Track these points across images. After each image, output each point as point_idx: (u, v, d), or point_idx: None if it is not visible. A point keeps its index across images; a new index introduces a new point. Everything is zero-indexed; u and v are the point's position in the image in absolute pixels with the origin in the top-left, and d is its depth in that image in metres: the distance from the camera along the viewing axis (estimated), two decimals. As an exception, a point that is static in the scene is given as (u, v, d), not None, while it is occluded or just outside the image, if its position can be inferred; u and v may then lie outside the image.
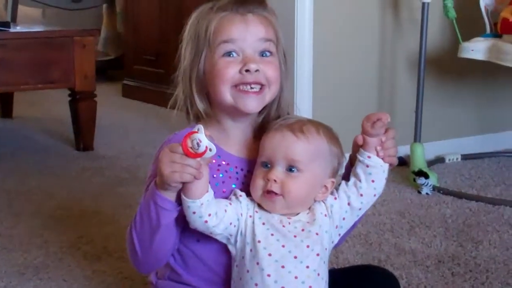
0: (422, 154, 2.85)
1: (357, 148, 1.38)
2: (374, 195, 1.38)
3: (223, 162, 1.40)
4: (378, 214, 2.43)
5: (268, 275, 1.29)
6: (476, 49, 2.80)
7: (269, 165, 1.33)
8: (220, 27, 1.38)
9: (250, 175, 1.38)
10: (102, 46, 5.85)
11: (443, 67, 3.19)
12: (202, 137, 1.21)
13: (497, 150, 3.32)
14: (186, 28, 1.44)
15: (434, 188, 2.69)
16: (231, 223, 1.31)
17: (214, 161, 1.35)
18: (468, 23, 2.94)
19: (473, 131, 3.34)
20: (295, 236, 1.31)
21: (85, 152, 3.35)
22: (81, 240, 2.17)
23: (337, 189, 1.38)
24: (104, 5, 6.02)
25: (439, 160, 3.13)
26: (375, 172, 1.36)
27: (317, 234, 1.33)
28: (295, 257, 1.30)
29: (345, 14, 2.94)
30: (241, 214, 1.32)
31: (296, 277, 1.29)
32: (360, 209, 1.38)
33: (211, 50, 1.38)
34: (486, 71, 3.20)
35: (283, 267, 1.29)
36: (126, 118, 4.17)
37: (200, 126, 1.21)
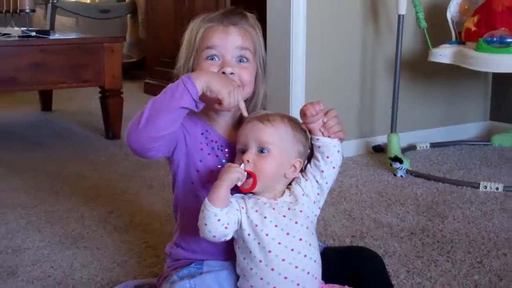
0: (397, 143, 2.85)
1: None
2: (333, 168, 1.37)
3: (212, 140, 1.42)
4: (360, 193, 2.44)
5: (269, 251, 1.29)
6: (444, 54, 2.80)
7: (244, 150, 1.34)
8: (205, 35, 1.41)
9: (229, 153, 1.41)
10: (127, 50, 5.84)
11: (416, 69, 3.19)
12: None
13: (461, 139, 3.32)
14: (184, 34, 1.48)
15: (407, 171, 2.69)
16: (235, 223, 1.31)
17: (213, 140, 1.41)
18: (437, 32, 2.94)
19: (440, 123, 3.35)
20: (284, 216, 1.32)
21: (113, 140, 3.36)
22: (111, 215, 2.18)
23: (306, 172, 1.39)
24: (128, 15, 6.02)
25: (412, 147, 3.13)
26: (326, 150, 1.35)
27: (301, 211, 1.33)
28: (288, 234, 1.30)
29: (333, 25, 2.93)
30: (237, 209, 1.32)
31: (292, 250, 1.30)
32: (326, 183, 1.38)
33: (198, 53, 1.42)
34: (452, 73, 3.19)
35: (280, 243, 1.29)
36: (148, 111, 4.15)
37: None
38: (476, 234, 2.01)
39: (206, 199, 1.27)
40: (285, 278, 1.29)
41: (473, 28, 2.77)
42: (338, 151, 1.37)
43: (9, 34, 3.38)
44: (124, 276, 1.70)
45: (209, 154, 1.41)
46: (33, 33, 3.33)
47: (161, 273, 1.52)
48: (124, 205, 2.30)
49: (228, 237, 1.30)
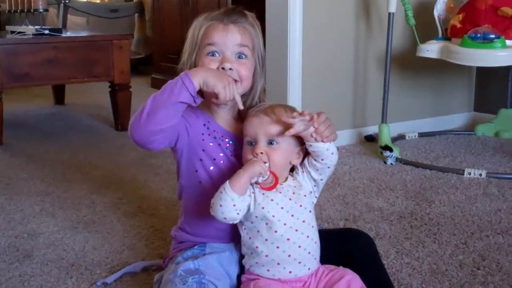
0: (387, 133, 2.85)
1: None
2: (328, 167, 1.37)
3: (214, 131, 1.42)
4: (353, 180, 2.44)
5: (275, 231, 1.31)
6: (431, 49, 2.79)
7: (253, 143, 1.35)
8: (207, 32, 1.41)
9: (229, 143, 1.42)
10: (135, 47, 5.83)
11: (405, 64, 3.18)
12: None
13: (447, 129, 3.32)
14: (189, 30, 1.48)
15: (397, 159, 2.69)
16: (245, 209, 1.32)
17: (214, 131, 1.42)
18: (425, 29, 2.93)
19: (427, 114, 3.34)
20: (290, 199, 1.33)
21: (122, 131, 3.35)
22: (121, 201, 2.19)
23: (303, 166, 1.39)
24: (136, 14, 6.00)
25: (401, 137, 3.12)
26: (320, 153, 1.34)
27: (305, 195, 1.36)
28: (292, 215, 1.32)
29: (328, 23, 2.92)
30: (248, 196, 1.32)
31: (296, 230, 1.32)
32: (321, 179, 1.39)
33: (200, 49, 1.42)
34: (438, 67, 3.19)
35: (285, 224, 1.31)
36: (154, 104, 4.15)
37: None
38: (460, 217, 2.01)
39: (227, 182, 1.29)
40: (289, 256, 1.31)
41: (458, 25, 2.76)
42: (332, 153, 1.36)
43: (24, 32, 3.38)
44: (133, 258, 1.70)
45: (211, 143, 1.41)
46: (47, 31, 3.31)
47: (167, 255, 1.53)
48: (133, 191, 2.30)
49: (236, 221, 1.32)
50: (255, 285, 1.31)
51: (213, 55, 1.40)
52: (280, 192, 1.34)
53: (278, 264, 1.31)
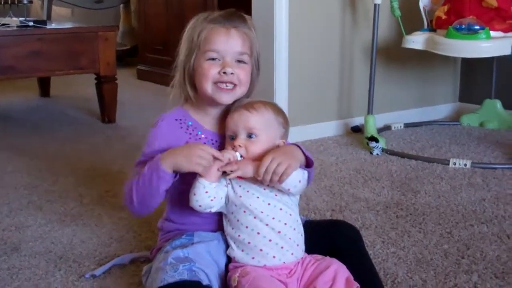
0: (373, 123, 2.86)
1: None
2: (298, 191, 1.40)
3: (202, 136, 1.47)
4: (339, 171, 2.46)
5: (254, 217, 1.36)
6: (416, 40, 2.81)
7: (234, 137, 1.40)
8: (209, 36, 1.43)
9: (220, 145, 1.47)
10: (120, 38, 5.80)
11: (391, 55, 3.20)
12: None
13: (432, 119, 3.35)
14: (185, 29, 1.49)
15: (383, 150, 2.71)
16: (222, 198, 1.38)
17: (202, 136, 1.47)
18: (410, 20, 2.95)
19: (413, 105, 3.36)
20: (264, 189, 1.38)
21: (109, 124, 3.35)
22: (108, 194, 2.19)
23: None
24: (121, 5, 5.97)
25: (387, 128, 3.14)
26: (285, 191, 1.38)
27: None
28: (269, 204, 1.37)
29: (314, 14, 2.92)
30: (225, 186, 1.39)
31: (273, 218, 1.36)
32: (292, 193, 1.40)
33: (200, 53, 1.44)
34: (424, 58, 3.21)
35: (262, 212, 1.36)
36: (141, 96, 4.16)
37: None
38: (445, 207, 2.04)
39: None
40: (270, 240, 1.35)
41: (444, 17, 2.78)
42: (295, 185, 1.37)
43: (8, 24, 3.35)
44: (121, 250, 1.71)
45: (195, 141, 1.46)
46: (31, 23, 3.29)
47: (155, 246, 1.54)
48: (120, 184, 2.26)
49: (213, 209, 1.38)
50: (242, 271, 1.33)
51: (213, 60, 1.43)
52: (255, 183, 1.38)
53: (261, 250, 1.35)
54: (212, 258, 1.39)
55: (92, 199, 2.14)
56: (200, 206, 1.36)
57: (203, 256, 1.37)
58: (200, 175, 1.35)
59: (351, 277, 1.33)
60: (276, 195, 1.38)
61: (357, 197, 2.14)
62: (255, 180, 1.37)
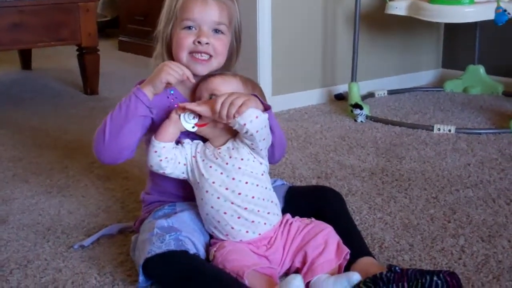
0: (357, 91, 2.86)
1: None
2: (251, 135, 1.31)
3: (175, 98, 1.46)
4: (324, 138, 2.46)
5: (218, 198, 1.34)
6: (400, 6, 2.80)
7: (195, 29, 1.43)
8: (185, 4, 1.42)
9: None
10: (101, 9, 5.71)
11: (374, 22, 3.18)
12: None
13: (415, 86, 3.35)
14: None
15: (367, 117, 2.72)
16: (179, 162, 1.37)
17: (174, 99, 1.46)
18: (393, -14, 2.93)
19: (396, 72, 3.36)
20: (227, 164, 1.35)
21: (91, 95, 3.32)
22: (93, 165, 2.17)
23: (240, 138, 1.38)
24: (101, -25, 5.87)
25: (371, 95, 3.14)
26: (240, 129, 1.32)
27: (242, 159, 1.36)
28: (233, 179, 1.34)
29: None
30: (187, 155, 1.38)
31: (239, 194, 1.34)
32: (252, 144, 1.34)
33: (177, 22, 1.43)
34: (407, 24, 3.20)
35: (227, 189, 1.34)
36: (123, 67, 4.10)
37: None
38: (431, 172, 2.05)
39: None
40: (238, 218, 1.33)
41: (427, -18, 2.77)
42: (252, 120, 1.29)
43: (-13, -4, 3.28)
44: (108, 221, 1.71)
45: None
46: (11, -5, 3.23)
47: (138, 217, 1.55)
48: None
49: (166, 171, 1.37)
50: (220, 245, 1.33)
51: (189, 29, 1.41)
52: (217, 158, 1.36)
53: (232, 228, 1.34)
54: (196, 226, 1.39)
55: (78, 170, 2.13)
56: (151, 166, 1.37)
57: (187, 224, 1.37)
58: (153, 136, 1.35)
59: (341, 242, 1.34)
60: (239, 168, 1.34)
61: (343, 164, 2.14)
62: (214, 124, 1.34)
